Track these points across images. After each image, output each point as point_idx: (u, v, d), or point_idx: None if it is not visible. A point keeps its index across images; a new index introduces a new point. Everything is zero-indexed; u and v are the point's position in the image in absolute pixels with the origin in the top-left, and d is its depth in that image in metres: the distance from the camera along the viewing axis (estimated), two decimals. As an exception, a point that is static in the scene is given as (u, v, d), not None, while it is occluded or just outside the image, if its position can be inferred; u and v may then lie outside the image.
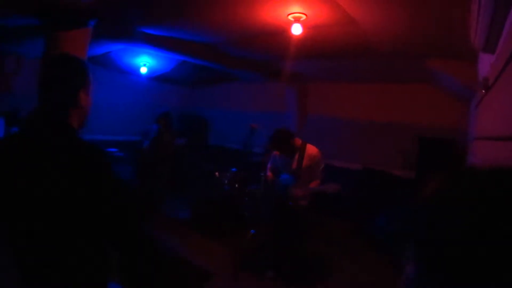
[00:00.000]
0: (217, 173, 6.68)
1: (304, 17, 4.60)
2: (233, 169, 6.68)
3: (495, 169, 0.62)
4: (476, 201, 0.58)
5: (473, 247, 0.56)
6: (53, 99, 1.65)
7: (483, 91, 3.20)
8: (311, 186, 4.37)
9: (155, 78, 9.87)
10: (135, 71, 9.00)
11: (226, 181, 6.49)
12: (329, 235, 6.48)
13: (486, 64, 3.34)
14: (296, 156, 4.48)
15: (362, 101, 8.28)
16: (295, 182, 4.41)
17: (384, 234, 4.40)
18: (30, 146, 1.53)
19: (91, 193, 1.45)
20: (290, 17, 4.65)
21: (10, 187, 1.48)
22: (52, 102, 1.65)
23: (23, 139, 1.60)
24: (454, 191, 0.63)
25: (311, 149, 4.48)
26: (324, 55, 6.72)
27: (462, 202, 0.60)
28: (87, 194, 1.44)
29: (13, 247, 1.51)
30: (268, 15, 4.71)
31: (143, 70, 8.85)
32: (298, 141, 4.59)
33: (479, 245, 0.55)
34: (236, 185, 6.38)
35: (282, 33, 5.24)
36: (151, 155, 6.95)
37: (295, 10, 4.48)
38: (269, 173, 4.80)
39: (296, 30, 4.78)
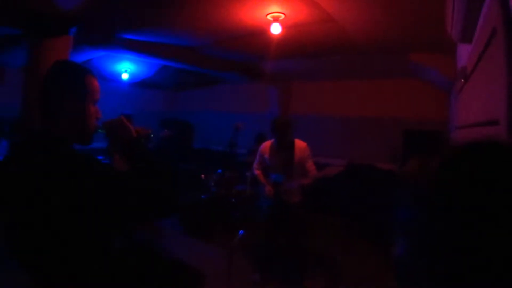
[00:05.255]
0: (203, 176, 6.65)
1: (282, 16, 4.63)
2: (219, 171, 6.67)
3: (468, 145, 0.64)
4: (454, 176, 0.60)
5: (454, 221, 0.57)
6: (42, 107, 1.63)
7: (462, 80, 3.25)
8: (312, 175, 4.33)
9: (137, 83, 9.82)
10: (116, 78, 8.94)
11: (212, 183, 6.47)
12: (321, 231, 6.51)
13: (464, 54, 3.39)
14: (287, 151, 4.43)
15: (346, 98, 8.36)
16: (287, 178, 4.37)
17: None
18: (23, 163, 1.52)
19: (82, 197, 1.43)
20: (269, 17, 4.67)
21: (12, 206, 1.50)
22: (42, 111, 1.63)
23: (18, 155, 1.61)
24: (435, 168, 0.64)
25: (301, 143, 4.44)
26: (305, 54, 6.76)
27: (443, 179, 0.61)
28: (78, 199, 1.42)
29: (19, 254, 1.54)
30: (247, 15, 4.73)
31: (125, 76, 8.80)
32: None
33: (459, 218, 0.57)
34: (223, 187, 6.37)
35: (262, 33, 5.26)
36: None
37: (274, 9, 4.50)
38: (257, 172, 4.69)
39: (276, 29, 4.80)
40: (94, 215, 1.46)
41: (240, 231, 5.67)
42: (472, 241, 0.55)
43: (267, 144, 4.64)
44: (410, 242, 0.64)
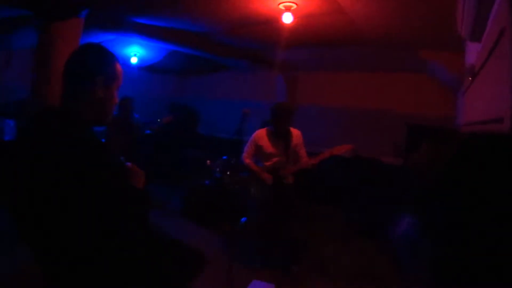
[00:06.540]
0: (208, 161, 6.69)
1: (294, 6, 4.64)
2: (224, 157, 6.70)
3: (472, 135, 0.69)
4: (461, 162, 0.65)
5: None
6: (65, 87, 1.62)
7: (470, 78, 3.29)
8: (316, 158, 4.36)
9: (145, 68, 9.84)
10: (125, 61, 8.94)
11: (217, 169, 6.50)
12: (319, 223, 6.54)
13: (473, 52, 3.42)
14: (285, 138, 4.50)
15: (352, 90, 8.37)
16: (284, 164, 4.45)
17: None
18: (34, 141, 1.50)
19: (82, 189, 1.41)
20: (281, 6, 4.69)
21: (19, 187, 1.46)
22: (64, 90, 1.62)
23: (30, 133, 1.57)
24: (441, 153, 0.70)
25: (295, 131, 4.51)
26: (314, 44, 6.78)
27: (448, 163, 0.66)
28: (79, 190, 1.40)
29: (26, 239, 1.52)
30: (259, 4, 4.74)
31: (134, 60, 8.80)
32: None
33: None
34: (228, 173, 6.40)
35: (273, 22, 5.28)
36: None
37: (286, -1, 4.52)
38: (248, 161, 4.68)
39: (287, 19, 4.82)
40: (101, 198, 1.45)
41: (243, 218, 5.72)
42: (481, 224, 0.60)
43: (262, 132, 4.65)
44: (417, 224, 0.69)
